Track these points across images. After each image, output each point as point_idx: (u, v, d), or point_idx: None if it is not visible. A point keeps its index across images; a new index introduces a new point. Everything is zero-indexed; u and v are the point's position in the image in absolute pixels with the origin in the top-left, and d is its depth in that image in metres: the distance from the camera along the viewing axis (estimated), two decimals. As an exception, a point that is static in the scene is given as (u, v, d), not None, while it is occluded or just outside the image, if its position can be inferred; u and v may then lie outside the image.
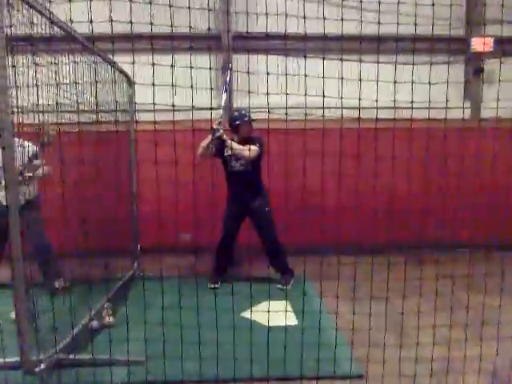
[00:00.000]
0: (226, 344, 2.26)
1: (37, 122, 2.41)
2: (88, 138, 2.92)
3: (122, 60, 3.20)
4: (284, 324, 2.58)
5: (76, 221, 2.61)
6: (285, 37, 2.86)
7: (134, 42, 2.34)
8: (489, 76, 5.39)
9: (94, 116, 2.98)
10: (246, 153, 3.59)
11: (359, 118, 2.34)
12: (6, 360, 2.47)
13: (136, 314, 2.41)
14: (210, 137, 3.80)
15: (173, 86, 2.19)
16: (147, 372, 2.34)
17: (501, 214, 4.25)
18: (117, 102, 3.16)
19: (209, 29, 2.50)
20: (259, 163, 4.05)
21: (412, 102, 2.33)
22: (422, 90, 2.51)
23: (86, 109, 2.84)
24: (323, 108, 2.29)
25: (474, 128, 3.54)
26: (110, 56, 3.40)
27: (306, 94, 2.34)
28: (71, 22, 2.27)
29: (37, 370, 2.28)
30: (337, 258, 2.38)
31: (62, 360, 2.49)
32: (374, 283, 2.31)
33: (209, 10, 2.29)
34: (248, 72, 2.40)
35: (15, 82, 2.14)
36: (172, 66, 2.24)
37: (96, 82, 2.72)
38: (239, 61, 5.36)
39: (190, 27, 2.14)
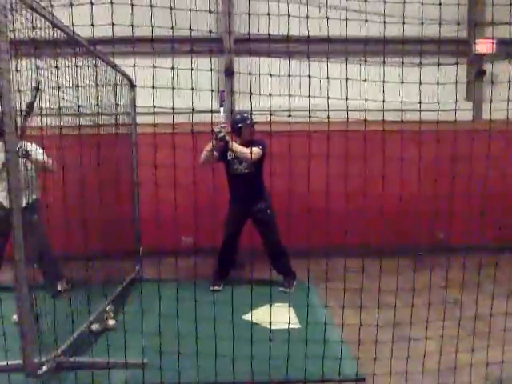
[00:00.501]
0: (227, 347, 2.25)
1: (39, 125, 2.42)
2: (89, 141, 2.92)
3: (124, 63, 3.22)
4: (285, 327, 2.56)
5: (77, 223, 2.61)
6: (287, 39, 2.86)
7: (136, 44, 2.35)
8: (492, 77, 5.37)
9: (96, 119, 2.98)
10: (249, 155, 3.58)
11: (365, 120, 2.33)
12: (8, 362, 2.47)
13: (137, 317, 2.40)
14: (209, 145, 3.81)
15: (173, 88, 2.19)
16: (146, 375, 2.33)
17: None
18: (117, 104, 3.17)
19: (210, 31, 2.50)
20: (261, 166, 4.04)
21: (420, 103, 2.32)
22: (425, 92, 2.50)
23: (87, 112, 2.85)
24: (328, 110, 2.29)
25: (478, 130, 3.52)
26: (112, 59, 3.41)
27: (309, 96, 2.33)
28: (73, 25, 2.28)
29: (39, 372, 2.28)
30: (341, 261, 2.36)
31: (64, 362, 2.49)
32: (378, 287, 2.29)
33: (210, 13, 2.30)
34: (250, 74, 2.40)
35: (18, 86, 2.16)
36: (173, 68, 2.24)
37: (97, 84, 2.72)
38: (241, 63, 5.37)
39: (192, 30, 2.14)
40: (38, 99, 2.63)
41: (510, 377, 2.33)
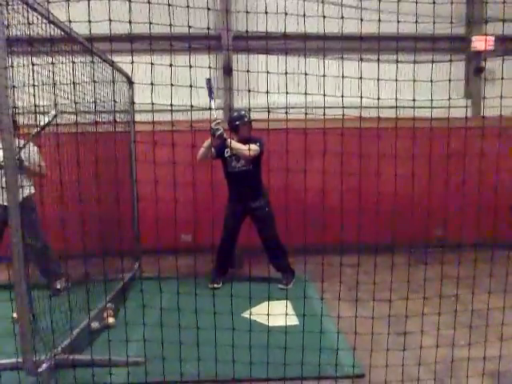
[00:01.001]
0: (226, 344, 2.25)
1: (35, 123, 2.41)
2: (87, 139, 2.92)
3: (121, 60, 3.21)
4: (284, 324, 2.57)
5: (76, 221, 2.61)
6: (285, 36, 2.85)
7: (133, 42, 2.34)
8: (490, 74, 5.38)
9: (93, 116, 2.98)
10: (247, 152, 3.59)
11: (360, 117, 2.33)
12: (8, 361, 2.47)
13: (136, 315, 2.41)
14: (208, 141, 3.82)
15: (172, 85, 2.19)
16: (147, 373, 2.34)
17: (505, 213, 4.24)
18: (115, 102, 3.16)
19: (208, 28, 2.49)
20: (259, 163, 4.05)
21: (414, 100, 2.32)
22: (422, 89, 2.51)
23: (85, 109, 2.84)
24: (324, 107, 2.29)
25: (477, 126, 3.53)
26: (109, 56, 3.40)
27: (306, 93, 2.33)
28: (70, 22, 2.27)
29: (38, 370, 2.28)
30: (338, 258, 2.37)
31: (63, 361, 2.49)
32: (376, 283, 2.30)
33: (208, 9, 2.29)
34: (248, 71, 2.40)
35: (13, 83, 2.15)
36: (171, 65, 2.24)
37: (95, 82, 2.71)
38: (239, 60, 5.36)
39: (190, 26, 2.13)
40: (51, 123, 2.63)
41: (507, 371, 2.35)
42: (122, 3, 2.04)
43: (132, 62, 2.19)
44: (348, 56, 4.86)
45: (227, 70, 5.33)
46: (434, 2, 2.16)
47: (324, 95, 2.30)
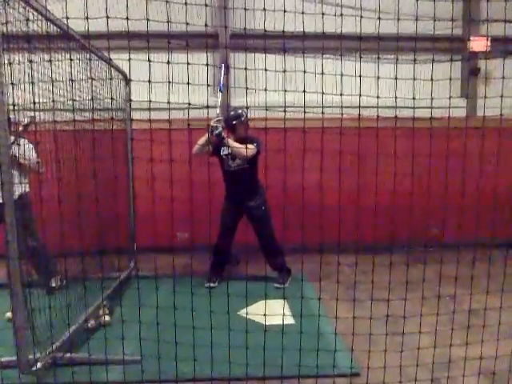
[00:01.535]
0: (222, 343, 2.25)
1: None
2: (83, 136, 2.90)
3: (119, 57, 3.19)
4: (280, 323, 2.57)
5: (71, 219, 2.59)
6: (283, 35, 2.85)
7: (131, 39, 2.32)
8: (486, 75, 5.41)
9: (90, 114, 2.96)
10: (244, 151, 3.58)
11: (359, 116, 2.33)
12: (2, 359, 2.46)
13: (132, 313, 2.40)
14: (206, 135, 3.79)
15: (169, 82, 2.17)
16: (143, 371, 2.33)
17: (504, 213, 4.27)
18: (112, 99, 3.14)
19: (206, 25, 2.48)
20: (256, 162, 4.04)
21: (413, 99, 2.33)
22: (419, 89, 2.51)
23: (81, 107, 2.83)
24: (322, 106, 2.29)
25: (472, 126, 3.56)
26: (106, 54, 3.38)
27: (304, 92, 2.33)
28: (67, 19, 2.25)
29: (33, 369, 2.27)
30: (336, 257, 2.38)
31: (58, 359, 2.48)
32: (374, 283, 2.30)
33: (206, 6, 2.28)
34: (246, 69, 2.39)
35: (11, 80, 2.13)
36: (168, 62, 2.23)
37: (92, 79, 2.70)
38: (236, 58, 5.35)
39: (187, 24, 2.12)
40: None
41: (504, 371, 2.36)
42: (119, 0, 2.03)
43: (129, 60, 2.18)
44: (347, 55, 4.87)
45: (221, 68, 5.31)
46: (434, 1, 2.16)
47: (322, 94, 2.30)
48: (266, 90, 2.29)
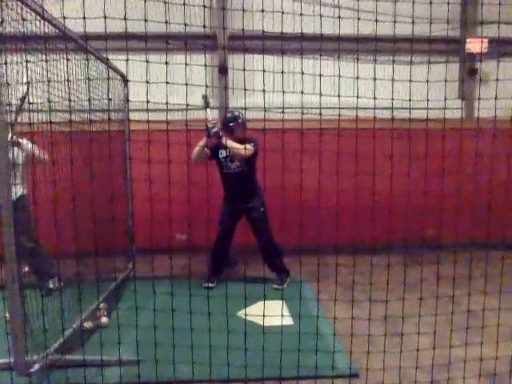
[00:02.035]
0: (221, 344, 2.24)
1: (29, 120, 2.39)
2: (81, 137, 2.89)
3: (116, 58, 3.18)
4: (279, 324, 2.57)
5: (69, 220, 2.58)
6: (281, 36, 2.85)
7: (129, 40, 2.32)
8: (483, 76, 5.43)
9: (87, 115, 2.95)
10: (242, 151, 3.58)
11: (356, 117, 2.34)
12: (1, 361, 2.44)
13: (130, 315, 2.39)
14: (204, 139, 3.81)
15: (167, 83, 2.17)
16: (140, 373, 2.32)
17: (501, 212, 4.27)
18: (110, 100, 3.14)
19: (204, 26, 2.48)
20: (254, 164, 4.05)
21: (410, 100, 2.33)
22: (416, 90, 2.52)
23: (78, 107, 2.82)
24: (320, 108, 2.29)
25: (471, 128, 3.57)
26: (104, 55, 3.37)
27: (302, 93, 2.33)
28: (64, 19, 2.25)
29: (30, 370, 2.26)
30: (334, 259, 2.37)
31: (55, 361, 2.46)
32: (372, 284, 2.31)
33: (204, 7, 2.28)
34: (244, 70, 2.39)
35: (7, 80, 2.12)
36: (167, 63, 2.22)
37: (89, 80, 2.69)
38: (235, 60, 5.35)
39: (186, 25, 2.12)
40: (28, 94, 2.60)
41: (503, 372, 2.36)
42: (117, 1, 2.03)
43: (127, 60, 2.17)
44: (344, 57, 4.88)
45: (223, 70, 5.32)
46: (430, 3, 2.17)
47: (320, 95, 2.30)
48: (264, 91, 2.29)
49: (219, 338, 2.27)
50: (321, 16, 2.30)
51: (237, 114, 4.05)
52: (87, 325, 2.99)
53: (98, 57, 3.31)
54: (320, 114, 2.35)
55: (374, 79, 2.31)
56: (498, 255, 2.56)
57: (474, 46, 5.43)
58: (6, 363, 2.36)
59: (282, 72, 2.41)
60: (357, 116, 2.34)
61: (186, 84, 2.18)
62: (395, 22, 2.32)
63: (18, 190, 3.14)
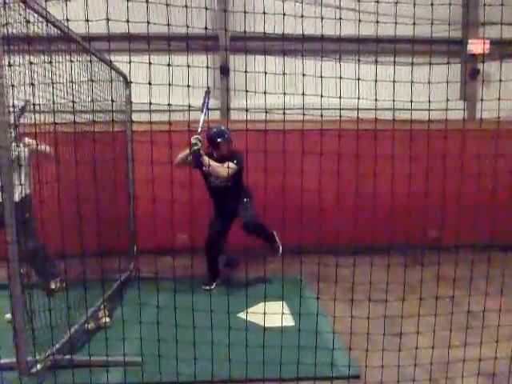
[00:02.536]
0: (222, 344, 2.25)
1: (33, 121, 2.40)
2: (84, 138, 2.90)
3: (119, 59, 3.20)
4: (280, 325, 2.57)
5: (72, 221, 2.60)
6: (283, 37, 2.86)
7: (131, 41, 2.33)
8: (485, 77, 5.42)
9: (90, 116, 2.97)
10: (221, 170, 3.60)
11: (358, 119, 2.35)
12: (2, 361, 2.45)
13: (132, 315, 2.40)
14: (187, 150, 3.74)
15: (169, 85, 2.19)
16: (143, 373, 2.33)
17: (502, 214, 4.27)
18: (113, 101, 3.15)
19: (206, 28, 2.49)
20: (240, 179, 4.03)
21: (411, 101, 2.34)
22: (418, 91, 2.52)
23: (81, 109, 2.83)
24: (321, 109, 2.30)
25: (473, 129, 3.56)
26: (107, 56, 3.39)
27: (303, 94, 2.34)
28: (67, 21, 2.27)
29: (33, 370, 2.27)
30: (334, 259, 2.38)
31: (58, 361, 2.47)
32: (372, 284, 2.31)
33: (206, 9, 2.29)
34: (246, 71, 2.40)
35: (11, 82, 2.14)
36: (169, 65, 2.24)
37: (92, 81, 2.70)
38: (236, 61, 5.37)
39: (188, 26, 2.13)
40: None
41: (503, 372, 2.36)
42: (119, 2, 2.04)
43: (130, 62, 2.19)
44: (346, 58, 4.88)
45: (224, 71, 5.34)
46: (431, 4, 2.17)
47: (321, 96, 2.31)
48: (265, 92, 2.30)
49: (220, 338, 2.28)
50: (322, 17, 2.31)
51: (223, 128, 4.02)
52: (89, 325, 3.00)
53: (100, 58, 3.33)
54: (321, 115, 2.36)
55: (375, 80, 2.32)
56: (499, 256, 2.56)
57: (476, 47, 5.42)
58: (9, 363, 2.38)
59: (284, 73, 2.42)
60: (358, 117, 2.34)
61: (188, 85, 2.19)
62: (396, 23, 2.33)
63: (22, 190, 3.16)
